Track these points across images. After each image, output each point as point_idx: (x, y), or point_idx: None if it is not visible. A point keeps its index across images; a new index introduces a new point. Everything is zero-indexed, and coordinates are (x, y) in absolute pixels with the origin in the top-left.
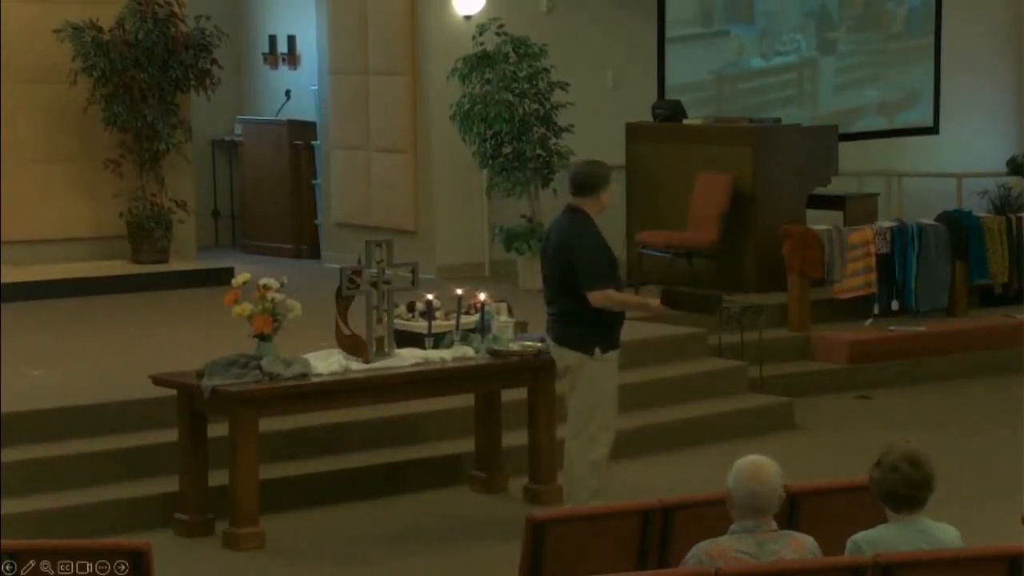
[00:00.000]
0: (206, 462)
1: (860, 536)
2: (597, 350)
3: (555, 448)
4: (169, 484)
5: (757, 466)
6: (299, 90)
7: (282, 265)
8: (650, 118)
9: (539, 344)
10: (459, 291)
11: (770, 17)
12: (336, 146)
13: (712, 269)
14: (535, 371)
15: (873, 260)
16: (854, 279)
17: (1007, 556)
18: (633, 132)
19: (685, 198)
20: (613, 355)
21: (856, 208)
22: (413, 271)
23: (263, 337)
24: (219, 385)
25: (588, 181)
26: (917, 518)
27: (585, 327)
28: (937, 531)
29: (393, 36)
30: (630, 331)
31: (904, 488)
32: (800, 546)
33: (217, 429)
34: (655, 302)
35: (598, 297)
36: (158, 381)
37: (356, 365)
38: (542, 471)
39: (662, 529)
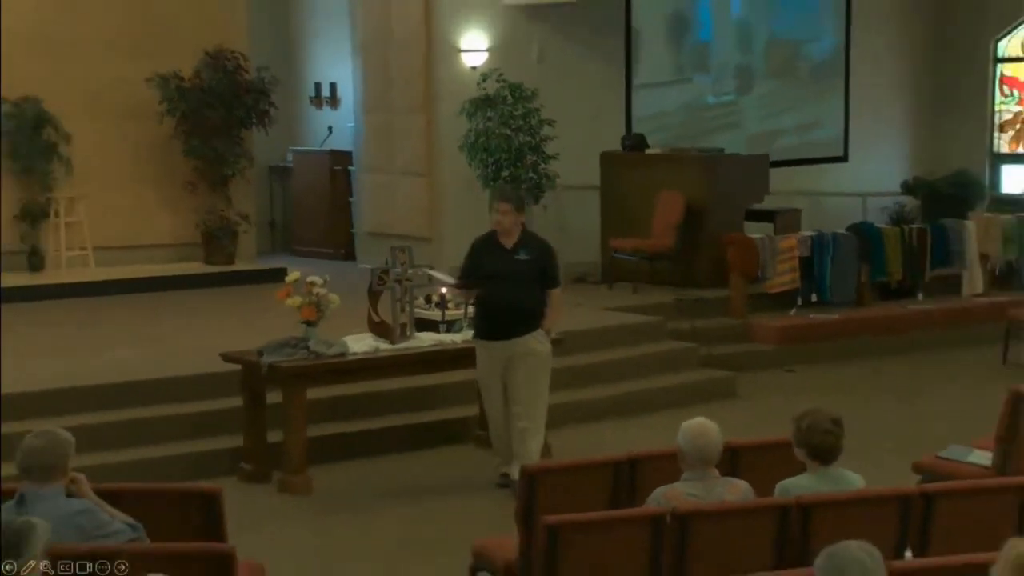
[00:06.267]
0: (264, 423)
1: (787, 482)
2: (472, 334)
3: None
4: (235, 441)
5: (703, 426)
6: (339, 126)
7: (324, 266)
8: (619, 148)
9: None
10: None
11: (720, 68)
12: (367, 170)
13: (670, 269)
14: None
15: (797, 262)
16: (782, 277)
17: (901, 496)
18: (606, 159)
19: (648, 212)
20: (480, 343)
21: (784, 220)
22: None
23: (310, 323)
24: (275, 361)
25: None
26: (833, 468)
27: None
28: (847, 477)
29: (413, 83)
30: (605, 318)
31: (832, 446)
32: (738, 489)
33: (273, 397)
34: (461, 284)
35: None
36: (226, 358)
37: (384, 346)
38: None
39: (630, 476)
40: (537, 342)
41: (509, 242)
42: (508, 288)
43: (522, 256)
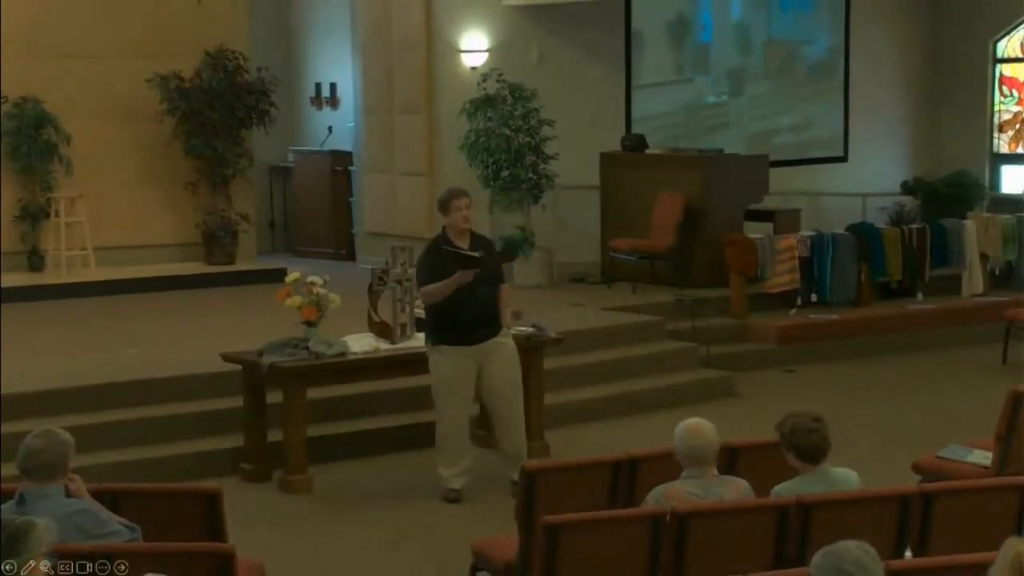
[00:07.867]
0: (265, 423)
1: (780, 487)
2: (429, 342)
3: (541, 413)
4: (235, 440)
5: (698, 426)
6: (339, 126)
7: (325, 266)
8: (619, 148)
9: (531, 329)
10: None
11: (720, 68)
12: (368, 170)
13: (669, 269)
14: (526, 351)
15: (797, 262)
16: (781, 277)
17: (900, 496)
18: (606, 159)
19: (647, 212)
20: (445, 349)
21: (783, 220)
22: None
23: (310, 323)
24: (275, 361)
25: (438, 205)
26: (823, 466)
27: (428, 323)
28: (838, 475)
29: (413, 83)
30: (604, 318)
31: (819, 443)
32: (737, 488)
33: (273, 397)
34: (456, 276)
35: (421, 298)
36: (227, 358)
37: (384, 346)
38: (531, 431)
39: (630, 476)
40: (508, 340)
41: (464, 243)
42: (476, 290)
43: (481, 256)
